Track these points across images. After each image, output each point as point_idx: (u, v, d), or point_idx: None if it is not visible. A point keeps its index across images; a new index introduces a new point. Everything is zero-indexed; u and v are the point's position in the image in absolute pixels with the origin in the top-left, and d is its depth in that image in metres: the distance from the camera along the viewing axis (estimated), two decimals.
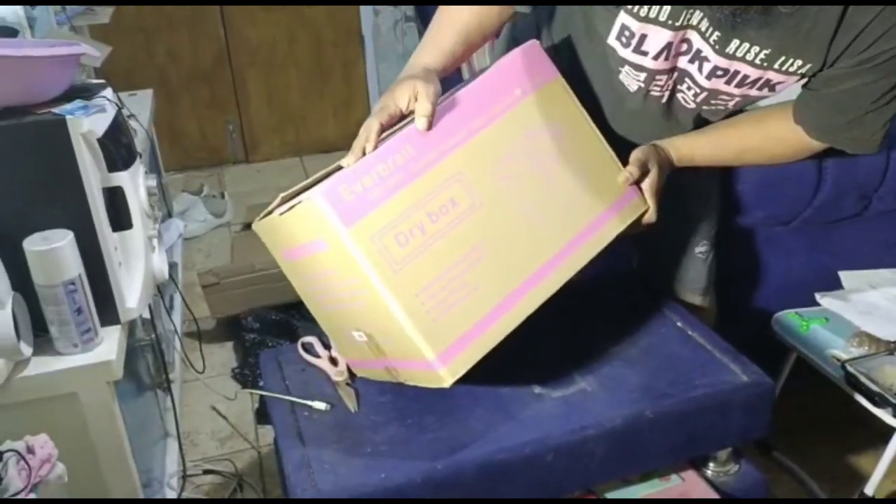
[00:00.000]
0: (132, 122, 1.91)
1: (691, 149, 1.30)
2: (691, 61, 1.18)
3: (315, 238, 1.06)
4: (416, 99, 1.08)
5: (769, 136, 1.29)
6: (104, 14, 2.29)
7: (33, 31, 1.77)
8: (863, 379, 1.43)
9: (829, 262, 1.69)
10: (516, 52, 1.20)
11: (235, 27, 3.59)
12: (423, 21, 3.61)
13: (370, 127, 1.07)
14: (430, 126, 1.06)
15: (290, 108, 3.80)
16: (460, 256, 1.06)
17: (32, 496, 0.96)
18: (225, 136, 3.77)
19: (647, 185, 1.24)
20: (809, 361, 1.55)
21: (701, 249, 1.48)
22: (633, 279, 1.51)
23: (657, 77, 1.22)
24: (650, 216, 1.25)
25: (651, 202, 1.25)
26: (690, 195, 1.42)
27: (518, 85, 1.17)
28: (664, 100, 1.26)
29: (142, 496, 1.32)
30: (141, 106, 2.30)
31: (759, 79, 1.16)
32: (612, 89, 1.29)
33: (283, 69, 3.73)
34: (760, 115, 1.29)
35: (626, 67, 1.23)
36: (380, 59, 3.76)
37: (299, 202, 1.03)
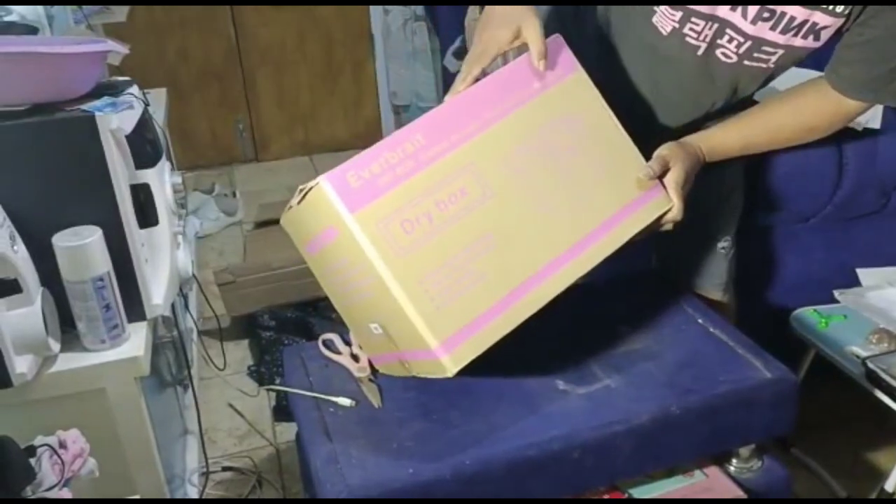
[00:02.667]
0: None
1: (721, 139, 1.28)
2: (733, 8, 1.15)
3: (326, 226, 1.06)
4: (519, 34, 1.07)
5: (801, 110, 1.26)
6: (121, 13, 2.30)
7: (52, 29, 1.78)
8: (883, 375, 1.43)
9: (847, 258, 1.69)
10: None
11: (246, 26, 3.60)
12: (433, 20, 3.61)
13: (470, 71, 1.07)
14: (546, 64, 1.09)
15: (300, 106, 3.81)
16: (468, 246, 1.06)
17: (66, 491, 0.96)
18: (235, 135, 3.78)
19: (671, 181, 1.21)
20: (828, 358, 1.55)
21: (723, 245, 1.47)
22: (654, 277, 1.52)
23: (694, 19, 1.18)
24: (675, 214, 1.22)
25: (676, 199, 1.21)
26: (714, 191, 1.41)
27: (537, 78, 1.16)
28: (700, 51, 1.22)
29: (167, 493, 1.33)
30: (155, 104, 2.30)
31: (805, 21, 1.13)
32: (646, 37, 1.25)
33: (294, 68, 3.74)
34: (788, 92, 1.27)
35: (662, 8, 1.19)
36: (389, 58, 3.76)
37: (310, 188, 1.04)
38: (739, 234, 1.55)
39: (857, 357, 1.50)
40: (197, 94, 3.64)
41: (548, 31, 1.22)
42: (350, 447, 1.12)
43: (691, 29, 1.20)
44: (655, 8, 1.21)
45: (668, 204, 1.22)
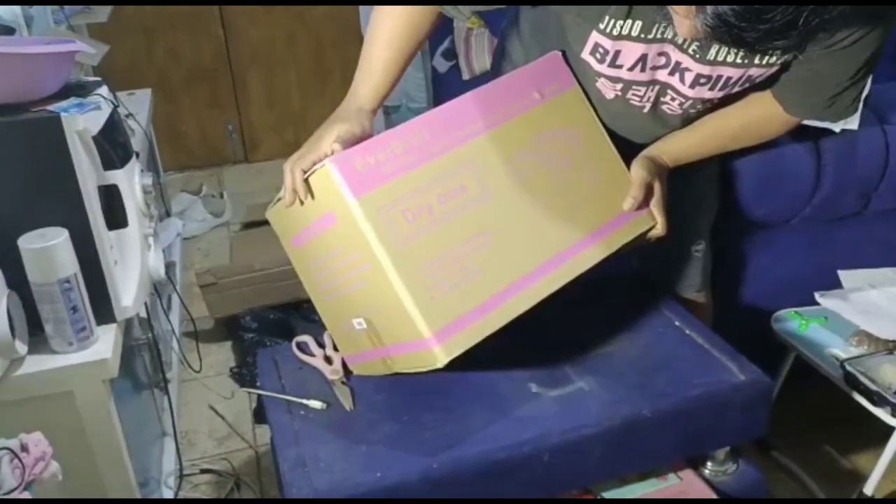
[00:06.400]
0: (130, 122, 1.91)
1: (682, 149, 1.31)
2: (671, 73, 1.18)
3: (324, 212, 1.09)
4: (339, 145, 1.09)
5: (754, 120, 1.29)
6: (102, 13, 2.29)
7: (30, 29, 1.77)
8: (861, 378, 1.42)
9: (828, 261, 1.69)
10: (539, 61, 1.25)
11: (235, 27, 3.58)
12: None
13: (295, 178, 1.09)
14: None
15: (290, 108, 3.79)
16: (465, 240, 1.08)
17: (27, 494, 0.95)
18: (225, 136, 3.76)
19: (654, 201, 1.27)
20: (808, 360, 1.54)
21: (697, 248, 1.48)
22: (632, 279, 1.51)
23: (635, 87, 1.22)
24: (660, 231, 1.28)
25: (660, 218, 1.27)
26: (688, 197, 1.41)
27: (536, 89, 1.22)
28: (646, 110, 1.27)
29: (138, 495, 1.32)
30: (139, 105, 2.30)
31: (741, 77, 1.16)
32: (592, 94, 1.29)
33: (283, 69, 3.72)
34: (742, 103, 1.28)
35: (602, 79, 1.23)
36: None
37: (313, 171, 1.07)
38: (720, 235, 1.55)
39: (837, 359, 1.49)
40: (186, 94, 3.63)
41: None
42: (319, 450, 1.12)
43: (633, 94, 1.24)
44: (596, 78, 1.24)
45: (652, 221, 1.27)
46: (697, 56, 1.13)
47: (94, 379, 1.19)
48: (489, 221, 1.11)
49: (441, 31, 3.22)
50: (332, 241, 1.11)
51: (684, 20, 0.87)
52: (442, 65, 3.19)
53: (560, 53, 1.26)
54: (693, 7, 0.83)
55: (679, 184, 1.32)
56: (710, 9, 0.80)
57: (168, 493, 1.61)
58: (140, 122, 2.05)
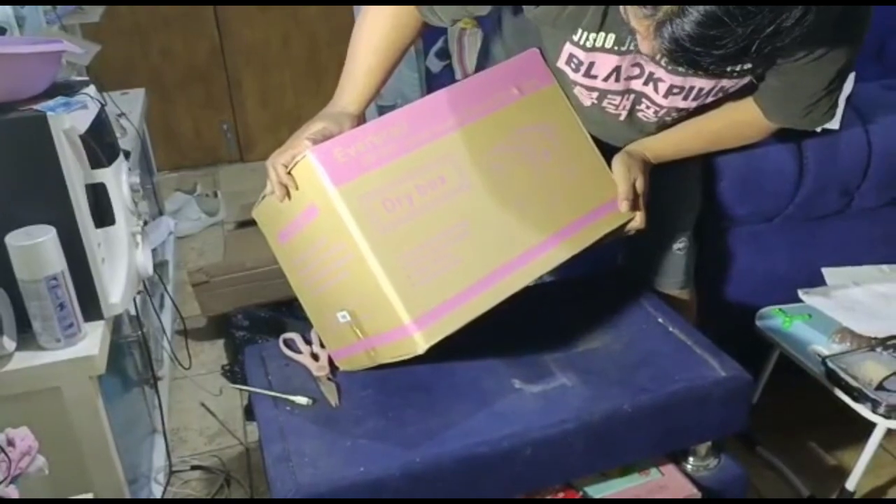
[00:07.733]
0: (123, 121, 1.92)
1: (664, 147, 1.33)
2: (646, 83, 1.20)
3: (307, 205, 1.10)
4: (310, 142, 1.11)
5: (736, 123, 1.31)
6: (94, 13, 2.30)
7: (22, 30, 1.78)
8: (842, 374, 1.44)
9: (812, 258, 1.70)
10: (517, 58, 1.27)
11: (229, 27, 3.60)
12: None
13: (278, 172, 1.11)
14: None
15: (285, 107, 3.80)
16: (445, 230, 1.10)
17: (13, 488, 0.96)
18: (220, 136, 3.77)
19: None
20: (791, 357, 1.55)
21: (679, 246, 1.50)
22: (616, 276, 1.53)
23: (610, 96, 1.24)
24: (638, 223, 1.29)
25: (638, 210, 1.28)
26: (669, 195, 1.43)
27: (515, 85, 1.24)
28: (622, 117, 1.28)
29: (126, 491, 1.33)
30: (133, 105, 2.31)
31: (713, 88, 1.18)
32: (570, 99, 1.30)
33: (278, 69, 3.73)
34: (726, 106, 1.30)
35: (578, 87, 1.25)
36: None
37: (295, 164, 1.08)
38: (704, 233, 1.56)
39: (819, 356, 1.50)
40: (181, 94, 3.64)
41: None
42: (304, 446, 1.13)
43: (609, 103, 1.26)
44: (573, 87, 1.26)
45: (630, 214, 1.29)
46: (669, 67, 1.14)
47: (82, 375, 1.20)
48: (469, 212, 1.12)
49: (435, 30, 3.23)
50: (315, 234, 1.13)
51: (644, 40, 0.89)
52: (436, 64, 3.21)
53: (538, 51, 1.28)
54: (652, 29, 0.85)
55: (662, 181, 1.34)
56: (666, 33, 0.83)
57: (157, 489, 1.62)
58: (133, 122, 2.06)
